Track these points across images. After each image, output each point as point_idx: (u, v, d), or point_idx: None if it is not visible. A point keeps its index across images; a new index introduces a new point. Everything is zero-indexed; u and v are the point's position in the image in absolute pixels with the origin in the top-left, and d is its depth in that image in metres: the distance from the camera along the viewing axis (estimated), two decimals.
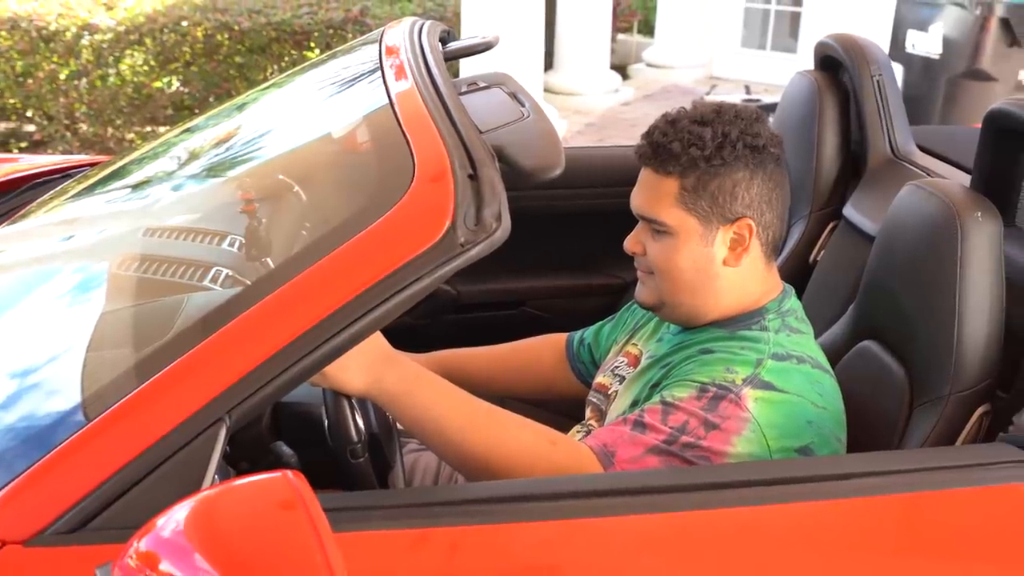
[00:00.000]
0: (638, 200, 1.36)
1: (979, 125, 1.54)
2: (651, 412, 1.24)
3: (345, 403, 1.30)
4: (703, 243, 1.32)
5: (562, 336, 1.77)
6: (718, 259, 1.33)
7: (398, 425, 1.38)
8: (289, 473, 0.89)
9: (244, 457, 1.28)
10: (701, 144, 1.29)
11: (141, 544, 0.88)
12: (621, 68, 7.73)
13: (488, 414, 1.25)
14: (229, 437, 1.03)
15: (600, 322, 1.74)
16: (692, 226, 1.31)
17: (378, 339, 1.23)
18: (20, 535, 0.98)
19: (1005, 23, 4.79)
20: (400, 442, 1.53)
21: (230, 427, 1.03)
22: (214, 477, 1.01)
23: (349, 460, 1.29)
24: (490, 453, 1.21)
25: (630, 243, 1.38)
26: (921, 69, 5.04)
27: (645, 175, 1.35)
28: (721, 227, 1.31)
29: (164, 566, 0.86)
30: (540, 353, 1.78)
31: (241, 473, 1.18)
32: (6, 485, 1.02)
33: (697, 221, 1.31)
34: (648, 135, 1.35)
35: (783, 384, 1.26)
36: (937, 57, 5.01)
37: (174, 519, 0.88)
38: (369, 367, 1.21)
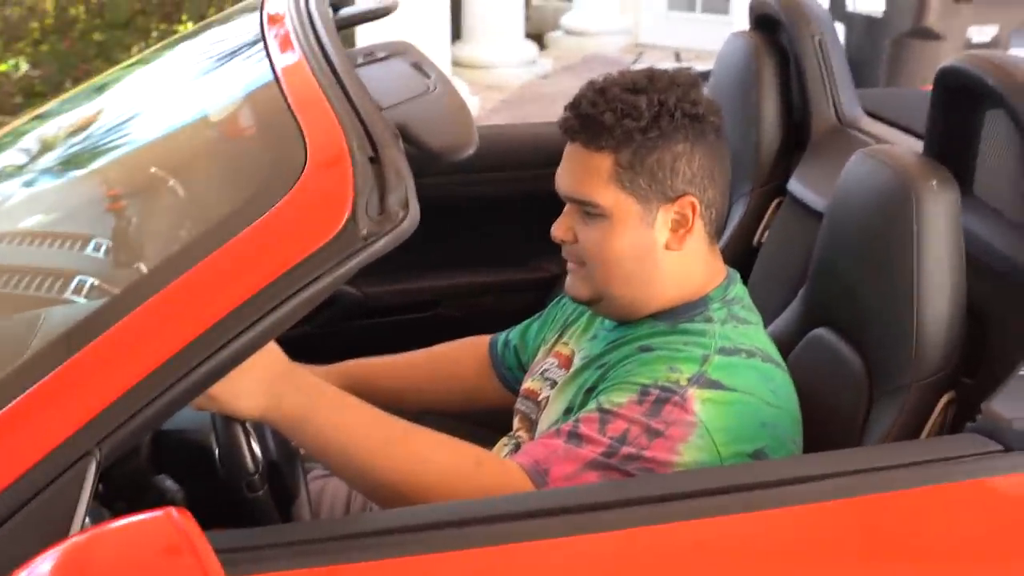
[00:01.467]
0: (566, 180, 1.35)
1: (930, 87, 1.58)
2: (587, 421, 1.23)
3: (238, 428, 1.26)
4: (643, 225, 1.31)
5: (484, 339, 1.76)
6: (660, 243, 1.32)
7: (301, 449, 1.35)
8: (173, 511, 0.87)
9: (120, 496, 1.24)
10: (636, 114, 1.28)
11: None
12: (537, 37, 7.76)
13: (403, 435, 1.22)
14: (101, 473, 0.99)
15: (526, 321, 1.73)
16: (630, 207, 1.31)
17: (273, 352, 1.19)
18: None
19: None
20: (304, 467, 1.50)
21: (100, 461, 0.99)
22: (84, 521, 0.98)
23: (246, 494, 1.26)
24: (406, 479, 1.18)
25: (558, 230, 1.37)
26: (864, 28, 5.14)
27: (573, 152, 1.34)
28: (662, 207, 1.31)
29: None
30: (460, 359, 1.76)
31: (117, 514, 1.14)
32: None
33: (635, 201, 1.31)
34: (574, 106, 1.34)
35: (732, 382, 1.26)
36: (880, 15, 5.12)
37: (37, 573, 0.85)
38: (264, 387, 1.16)
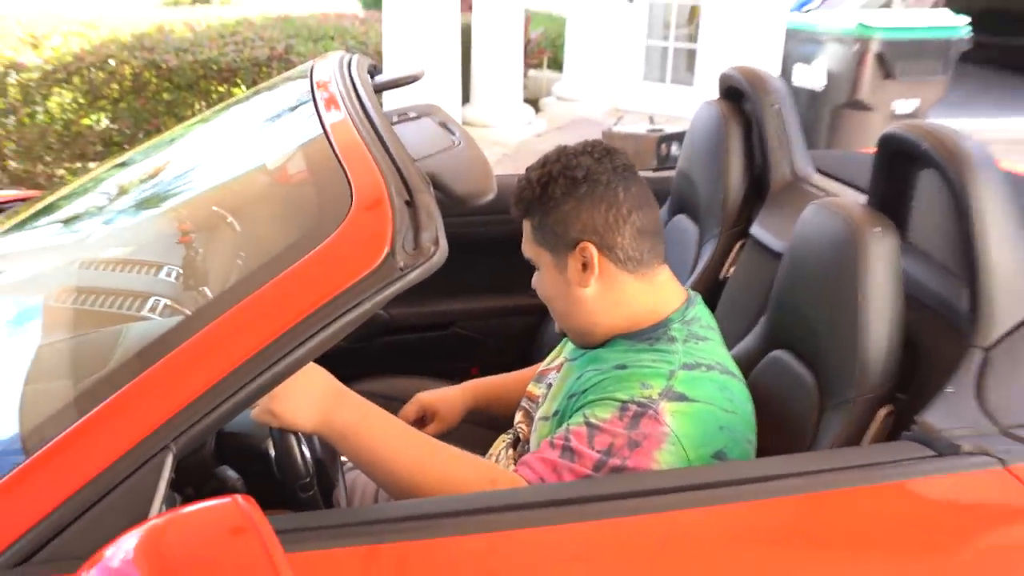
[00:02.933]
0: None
1: (866, 150, 1.58)
2: (577, 436, 1.22)
3: (293, 440, 1.26)
4: (556, 271, 1.36)
5: None
6: (573, 283, 1.34)
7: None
8: (239, 498, 0.86)
9: (189, 483, 1.23)
10: (531, 189, 1.35)
11: (91, 574, 0.83)
12: (533, 101, 7.78)
13: (432, 452, 1.23)
14: (175, 464, 0.99)
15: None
16: (547, 258, 1.36)
17: (326, 377, 1.20)
18: None
19: (880, 58, 4.96)
20: (341, 462, 1.49)
21: (176, 455, 0.98)
22: (162, 505, 0.97)
23: (300, 495, 1.27)
24: (432, 491, 1.18)
25: (533, 282, 1.44)
26: (807, 100, 5.19)
27: None
28: (568, 254, 1.33)
29: None
30: None
31: (187, 499, 1.13)
32: None
33: (547, 252, 1.36)
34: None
35: (694, 394, 1.25)
36: (821, 89, 5.17)
37: (123, 549, 0.84)
38: (319, 406, 1.17)
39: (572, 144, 1.39)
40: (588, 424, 1.23)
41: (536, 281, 1.41)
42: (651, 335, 1.33)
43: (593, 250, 1.31)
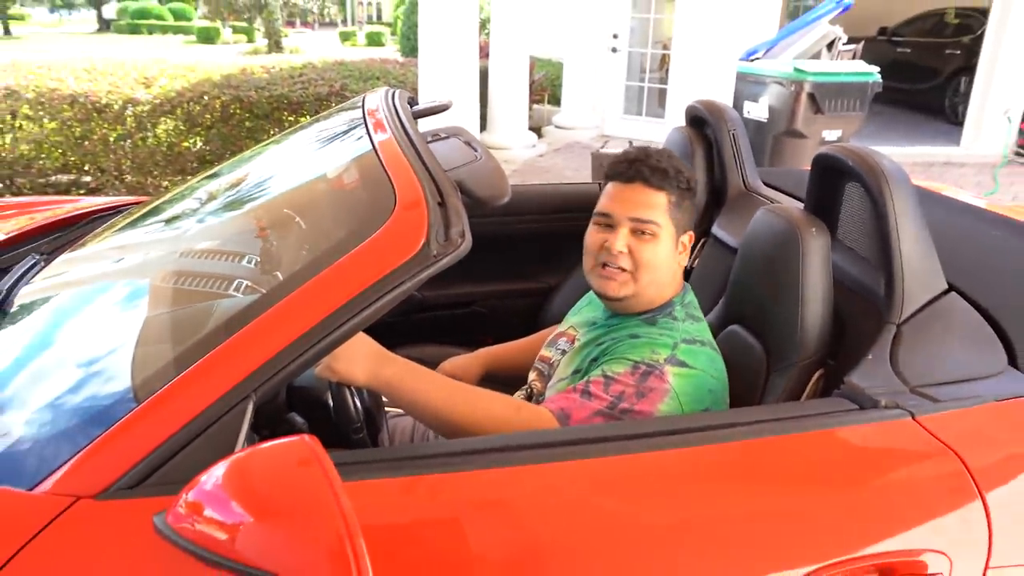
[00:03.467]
0: (629, 208, 1.28)
1: (804, 167, 1.56)
2: (595, 383, 1.21)
3: (347, 392, 1.25)
4: (672, 243, 1.31)
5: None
6: (675, 257, 1.32)
7: (383, 399, 1.34)
8: (306, 437, 0.85)
9: (266, 427, 1.23)
10: (674, 172, 1.30)
11: (189, 496, 0.84)
12: (537, 129, 7.74)
13: (464, 393, 1.21)
14: (255, 410, 0.98)
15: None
16: (671, 231, 1.30)
17: (373, 343, 1.19)
18: (92, 491, 0.92)
19: (811, 97, 4.94)
20: (384, 411, 1.48)
21: (255, 403, 0.98)
22: (244, 443, 0.96)
23: (352, 436, 1.25)
24: (468, 422, 1.17)
25: (621, 244, 1.27)
26: (754, 129, 5.16)
27: (633, 189, 1.29)
28: (680, 235, 1.32)
29: (208, 513, 0.83)
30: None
31: (263, 439, 1.13)
32: (78, 452, 0.96)
33: (674, 227, 1.30)
34: (636, 160, 1.31)
35: (693, 362, 1.24)
36: (765, 120, 5.14)
37: (214, 476, 0.84)
38: (370, 363, 1.17)
39: (593, 158, 1.38)
40: (605, 376, 1.22)
41: (632, 245, 1.27)
42: (660, 313, 1.32)
43: (691, 237, 1.34)
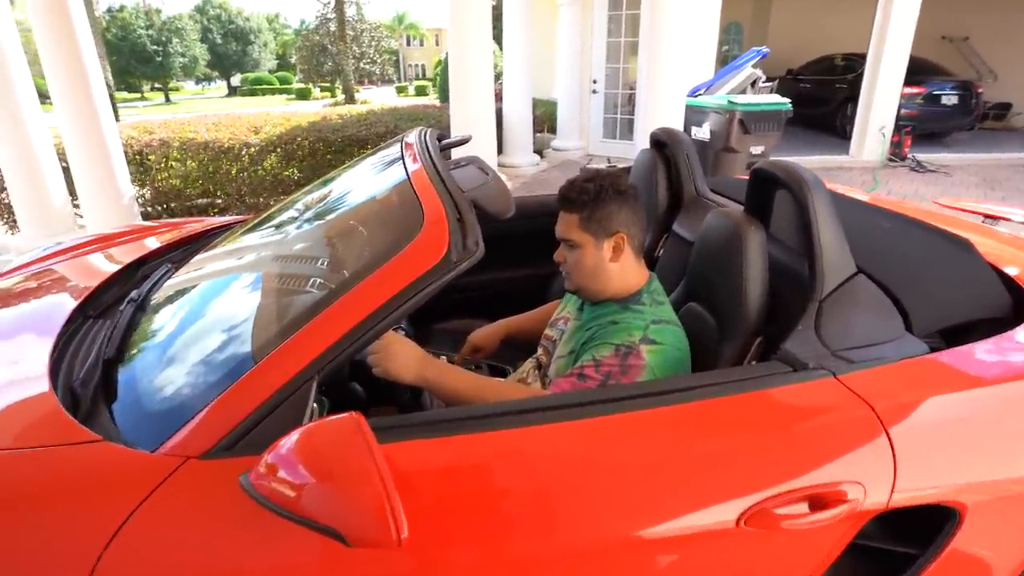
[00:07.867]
0: (559, 229, 1.23)
1: (739, 176, 1.43)
2: (588, 368, 1.12)
3: None
4: (595, 250, 1.20)
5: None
6: (605, 260, 1.20)
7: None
8: (354, 414, 0.77)
9: (328, 395, 1.14)
10: (586, 193, 1.18)
11: (268, 458, 0.77)
12: (539, 151, 7.56)
13: (491, 387, 1.13)
14: (325, 380, 0.90)
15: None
16: (588, 240, 1.19)
17: (418, 349, 1.10)
18: (197, 452, 0.85)
19: (741, 122, 4.74)
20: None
21: (319, 381, 0.89)
22: (311, 414, 0.88)
23: (401, 398, 1.20)
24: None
25: (557, 256, 1.25)
26: (700, 148, 4.97)
27: (562, 214, 1.23)
28: (606, 239, 1.19)
29: (281, 474, 0.76)
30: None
31: (333, 404, 1.05)
32: (189, 420, 0.88)
33: (591, 236, 1.19)
34: (562, 192, 1.23)
35: (662, 339, 1.14)
36: (708, 140, 4.95)
37: (289, 441, 0.77)
38: (414, 367, 1.08)
39: (579, 173, 1.24)
40: (595, 360, 1.12)
41: (566, 255, 1.21)
42: (631, 300, 1.21)
43: (626, 237, 1.19)
